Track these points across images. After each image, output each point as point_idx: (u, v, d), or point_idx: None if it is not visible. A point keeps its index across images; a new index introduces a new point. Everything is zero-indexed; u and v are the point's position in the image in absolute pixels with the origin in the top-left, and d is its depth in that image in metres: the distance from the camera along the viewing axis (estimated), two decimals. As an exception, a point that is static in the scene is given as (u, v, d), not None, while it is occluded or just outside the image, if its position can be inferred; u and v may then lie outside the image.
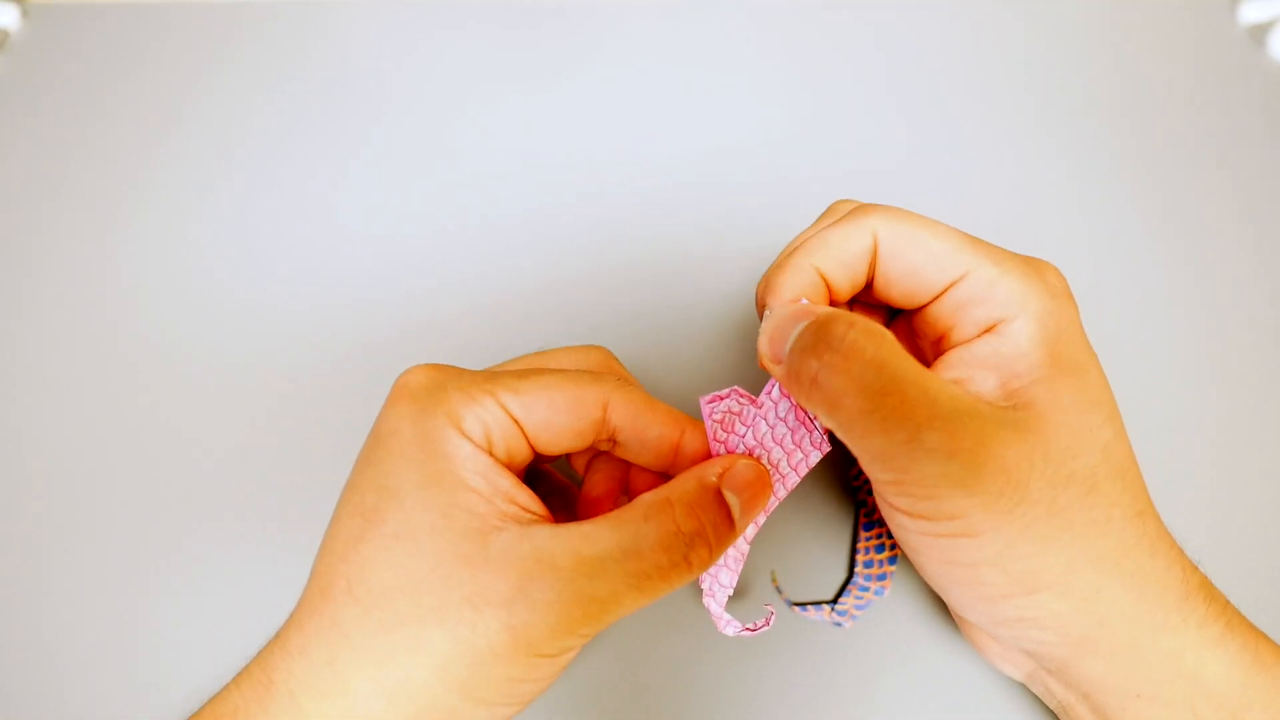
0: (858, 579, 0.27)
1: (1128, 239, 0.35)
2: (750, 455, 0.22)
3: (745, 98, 0.39)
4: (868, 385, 0.18)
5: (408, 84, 0.39)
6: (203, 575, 0.28)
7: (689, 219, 0.35)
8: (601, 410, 0.22)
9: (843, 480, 0.29)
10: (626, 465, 0.24)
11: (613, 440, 0.23)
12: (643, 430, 0.22)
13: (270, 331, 0.33)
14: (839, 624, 0.27)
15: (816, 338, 0.19)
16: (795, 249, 0.22)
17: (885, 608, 0.27)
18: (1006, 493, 0.18)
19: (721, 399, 0.22)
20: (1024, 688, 0.25)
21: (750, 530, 0.23)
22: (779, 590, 0.27)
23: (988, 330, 0.21)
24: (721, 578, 0.23)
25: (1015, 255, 0.21)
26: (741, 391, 0.22)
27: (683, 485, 0.20)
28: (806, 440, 0.21)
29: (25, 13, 0.41)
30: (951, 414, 0.18)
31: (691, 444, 0.22)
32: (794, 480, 0.22)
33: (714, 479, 0.20)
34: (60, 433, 0.31)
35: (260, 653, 0.19)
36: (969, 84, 0.39)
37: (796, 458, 0.22)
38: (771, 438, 0.22)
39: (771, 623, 0.24)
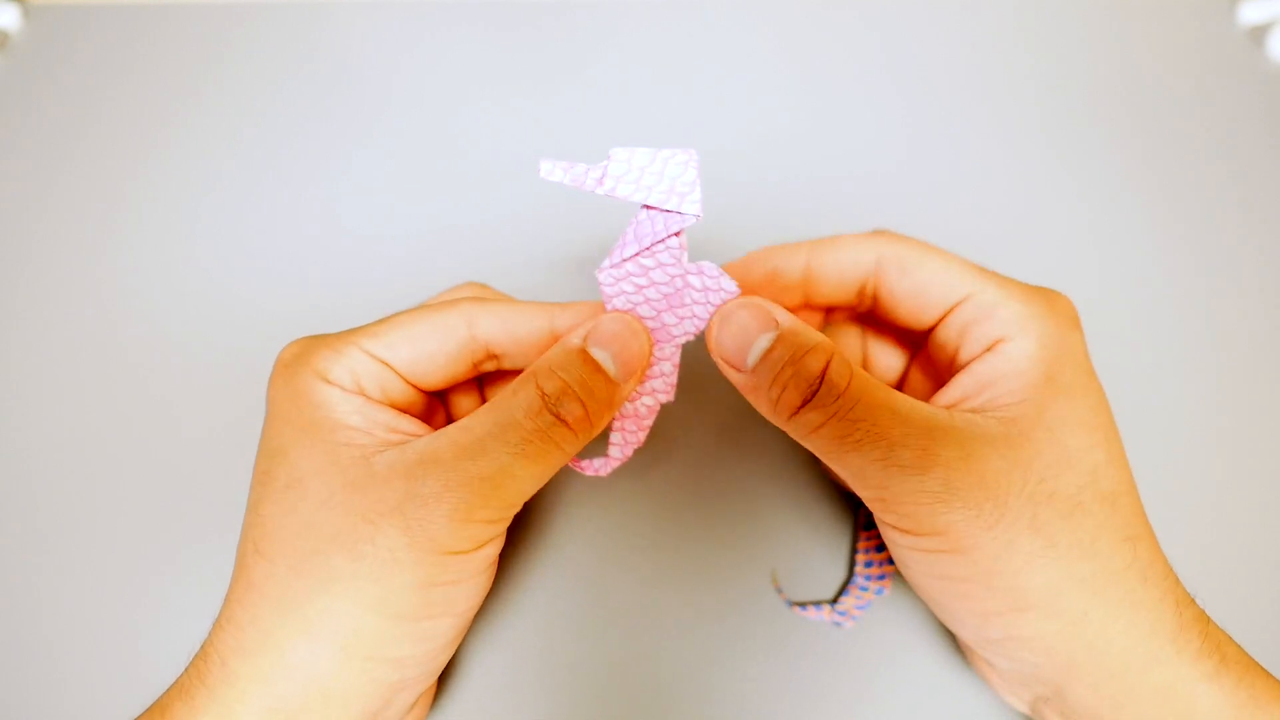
0: (858, 579, 0.27)
1: (1128, 239, 0.35)
2: (634, 312, 0.22)
3: (746, 99, 0.39)
4: (843, 414, 0.19)
5: (408, 84, 0.39)
6: (203, 575, 0.28)
7: (689, 219, 0.35)
8: (467, 328, 0.22)
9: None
10: None
11: (494, 357, 0.23)
12: (514, 331, 0.22)
13: (270, 332, 0.33)
14: (839, 624, 0.27)
15: (795, 372, 0.19)
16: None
17: (885, 608, 0.27)
18: (985, 508, 0.18)
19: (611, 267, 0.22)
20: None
21: (659, 384, 0.22)
22: (779, 590, 0.27)
23: (988, 350, 0.21)
24: (627, 426, 0.23)
25: (1024, 284, 0.21)
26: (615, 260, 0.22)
27: (547, 354, 0.21)
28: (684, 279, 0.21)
29: (25, 13, 0.41)
30: (925, 431, 0.19)
31: (565, 325, 0.22)
32: (701, 317, 0.22)
33: (578, 340, 0.20)
34: (59, 433, 0.31)
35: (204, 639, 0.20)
36: (969, 84, 0.39)
37: (689, 297, 0.21)
38: (652, 289, 0.22)
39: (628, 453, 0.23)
